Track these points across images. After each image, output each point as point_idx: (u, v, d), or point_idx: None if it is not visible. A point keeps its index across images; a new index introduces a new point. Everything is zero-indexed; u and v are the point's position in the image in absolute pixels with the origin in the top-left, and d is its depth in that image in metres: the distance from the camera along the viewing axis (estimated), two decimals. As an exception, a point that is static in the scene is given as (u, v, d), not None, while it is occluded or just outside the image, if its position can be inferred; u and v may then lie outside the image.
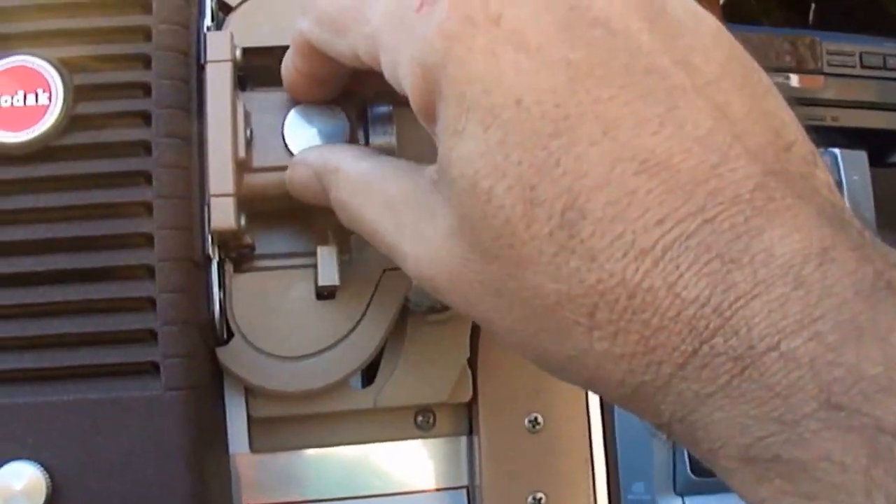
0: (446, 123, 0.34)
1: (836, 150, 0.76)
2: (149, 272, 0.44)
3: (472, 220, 0.33)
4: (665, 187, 0.30)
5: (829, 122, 0.75)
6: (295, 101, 0.48)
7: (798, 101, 0.67)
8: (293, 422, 0.54)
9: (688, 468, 2.04)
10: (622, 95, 0.31)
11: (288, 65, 0.46)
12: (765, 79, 0.34)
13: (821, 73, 0.75)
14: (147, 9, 0.47)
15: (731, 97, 0.32)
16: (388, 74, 0.37)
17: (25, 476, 0.42)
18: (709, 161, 0.30)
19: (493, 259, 0.33)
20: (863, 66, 1.95)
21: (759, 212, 0.30)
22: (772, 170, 0.31)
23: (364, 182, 0.41)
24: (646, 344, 0.31)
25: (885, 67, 1.96)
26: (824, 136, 0.73)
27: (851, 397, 0.27)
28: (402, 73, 0.36)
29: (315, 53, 0.43)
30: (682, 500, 2.06)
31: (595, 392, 0.36)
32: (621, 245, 0.30)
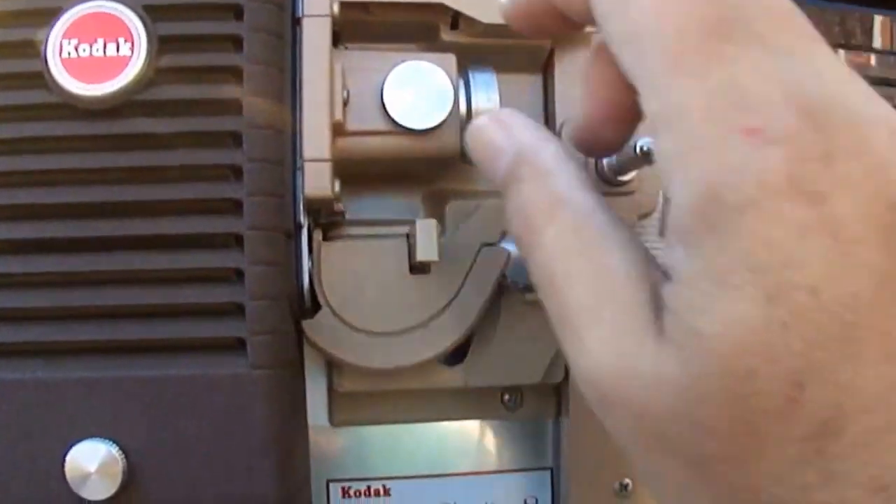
0: (714, 268, 0.28)
1: None
2: (237, 241, 0.40)
3: (709, 388, 0.28)
4: None
5: (894, 104, 0.71)
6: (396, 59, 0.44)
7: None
8: (376, 396, 0.51)
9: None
10: None
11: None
12: None
13: (889, 52, 0.71)
14: (239, -44, 0.43)
15: None
16: (661, 155, 0.31)
17: (100, 455, 0.39)
18: None
19: (713, 434, 0.29)
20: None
21: None
22: None
23: (580, 224, 0.34)
24: None
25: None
26: None
27: None
28: (683, 176, 0.30)
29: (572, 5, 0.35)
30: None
31: None
32: (861, 473, 0.27)
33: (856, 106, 0.29)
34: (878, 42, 0.71)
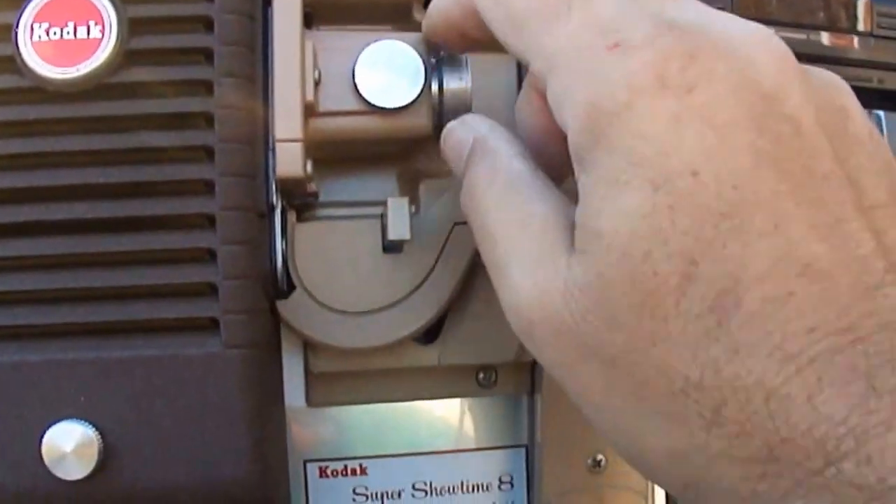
0: (606, 173, 0.31)
1: (881, 113, 0.72)
2: (209, 222, 0.40)
3: (612, 280, 0.31)
4: (823, 296, 0.28)
5: (875, 84, 0.71)
6: (365, 41, 0.44)
7: (839, 60, 0.62)
8: (352, 376, 0.51)
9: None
10: (799, 194, 0.30)
11: (441, 8, 0.42)
12: None
13: (870, 35, 0.71)
14: (210, -63, 0.43)
15: (889, 226, 0.31)
16: (551, 100, 0.34)
17: (76, 436, 0.38)
18: (866, 282, 0.29)
19: (621, 327, 0.30)
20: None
21: None
22: None
23: (509, 181, 0.37)
24: (769, 451, 0.28)
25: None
26: (870, 97, 0.69)
27: None
28: (569, 107, 0.33)
29: (478, 21, 0.39)
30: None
31: (689, 497, 0.32)
32: (767, 345, 0.28)
33: (718, 21, 0.32)
34: (861, 25, 0.71)
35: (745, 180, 0.29)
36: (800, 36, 0.68)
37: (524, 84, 0.41)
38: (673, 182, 0.29)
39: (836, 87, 0.33)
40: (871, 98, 0.73)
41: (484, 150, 0.39)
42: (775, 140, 0.30)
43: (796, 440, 0.28)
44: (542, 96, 0.36)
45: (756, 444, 0.28)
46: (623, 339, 0.30)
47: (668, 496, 0.55)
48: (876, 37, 0.76)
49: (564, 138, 0.34)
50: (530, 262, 0.34)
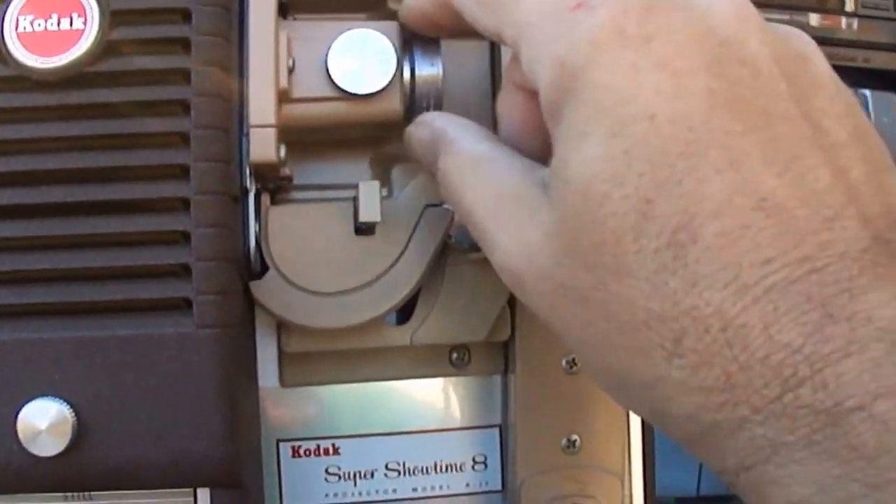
0: (573, 124, 0.33)
1: (867, 92, 0.73)
2: (184, 205, 0.41)
3: (577, 222, 0.32)
4: (778, 229, 0.29)
5: (860, 64, 0.72)
6: (337, 31, 0.45)
7: (824, 40, 0.63)
8: (325, 356, 0.52)
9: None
10: (754, 133, 0.31)
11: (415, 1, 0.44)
12: (888, 159, 0.33)
13: (855, 15, 0.72)
14: (187, -68, 0.43)
15: (852, 164, 0.31)
16: (526, 67, 0.36)
17: (51, 414, 0.39)
18: (823, 214, 0.30)
19: (589, 266, 0.32)
20: (896, 10, 1.91)
21: (863, 273, 0.29)
22: (881, 238, 0.30)
23: (476, 163, 0.39)
24: (727, 380, 0.29)
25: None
26: (856, 77, 0.70)
27: None
28: (540, 67, 0.34)
29: (451, 10, 0.40)
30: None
31: (659, 425, 0.34)
32: (725, 276, 0.29)
33: None
34: (849, 6, 0.72)
35: (701, 121, 0.30)
36: (783, 17, 0.68)
37: (503, 80, 0.42)
38: (630, 127, 0.31)
39: (796, 36, 0.34)
40: (857, 77, 0.73)
41: (445, 142, 0.41)
42: (732, 83, 0.31)
43: (754, 368, 0.29)
44: (522, 89, 0.39)
45: (715, 373, 0.29)
46: (591, 277, 0.32)
47: (645, 474, 0.55)
48: (860, 17, 0.76)
49: (545, 128, 0.35)
50: (513, 228, 0.36)
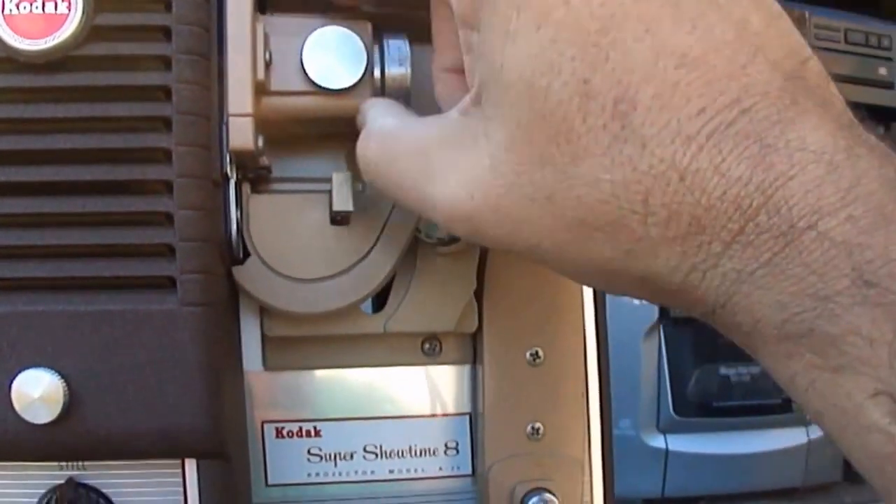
0: (495, 26, 0.34)
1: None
2: (167, 188, 0.42)
3: (528, 123, 0.33)
4: (704, 80, 0.31)
5: None
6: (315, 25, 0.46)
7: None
8: (306, 342, 0.53)
9: (671, 408, 2.05)
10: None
11: None
12: (776, 5, 0.34)
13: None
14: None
15: (749, 15, 0.33)
16: (451, 3, 0.37)
17: (44, 383, 0.40)
18: (738, 61, 0.31)
19: (547, 161, 0.33)
20: (847, 42, 1.94)
21: (787, 108, 0.31)
22: (793, 76, 0.32)
23: (390, 136, 0.41)
24: (697, 223, 0.31)
25: (867, 45, 1.95)
26: None
27: (881, 277, 0.29)
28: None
29: None
30: (665, 437, 2.07)
31: (648, 288, 0.35)
32: (669, 132, 0.31)
33: None
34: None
35: None
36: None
37: (433, 72, 0.44)
38: (550, 15, 0.32)
39: None
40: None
41: (363, 127, 0.43)
42: None
43: (715, 206, 0.31)
44: (449, 71, 0.41)
45: (685, 220, 0.31)
46: (552, 171, 0.33)
47: (604, 460, 0.56)
48: (813, 48, 0.79)
49: None
50: (451, 174, 0.37)
